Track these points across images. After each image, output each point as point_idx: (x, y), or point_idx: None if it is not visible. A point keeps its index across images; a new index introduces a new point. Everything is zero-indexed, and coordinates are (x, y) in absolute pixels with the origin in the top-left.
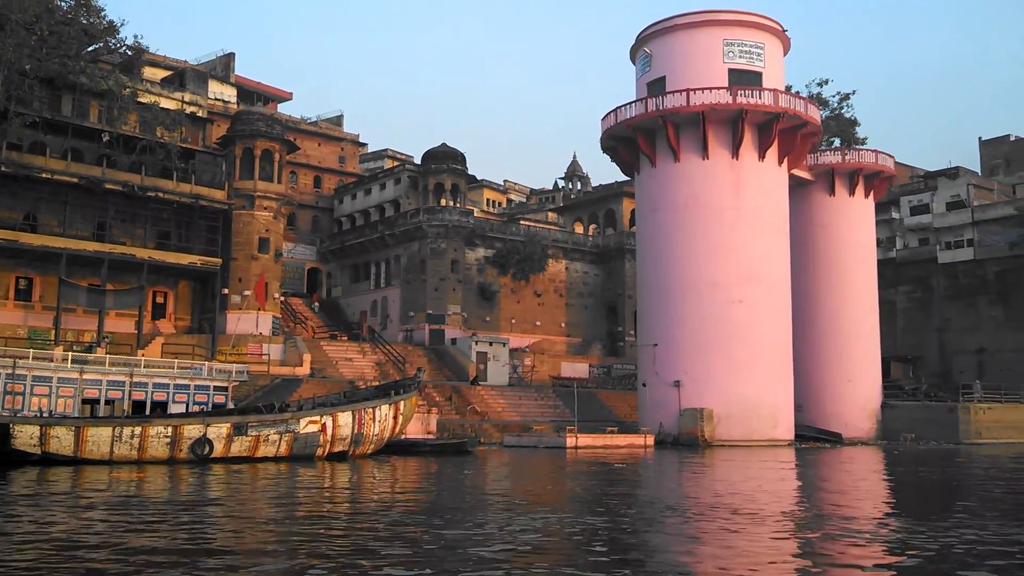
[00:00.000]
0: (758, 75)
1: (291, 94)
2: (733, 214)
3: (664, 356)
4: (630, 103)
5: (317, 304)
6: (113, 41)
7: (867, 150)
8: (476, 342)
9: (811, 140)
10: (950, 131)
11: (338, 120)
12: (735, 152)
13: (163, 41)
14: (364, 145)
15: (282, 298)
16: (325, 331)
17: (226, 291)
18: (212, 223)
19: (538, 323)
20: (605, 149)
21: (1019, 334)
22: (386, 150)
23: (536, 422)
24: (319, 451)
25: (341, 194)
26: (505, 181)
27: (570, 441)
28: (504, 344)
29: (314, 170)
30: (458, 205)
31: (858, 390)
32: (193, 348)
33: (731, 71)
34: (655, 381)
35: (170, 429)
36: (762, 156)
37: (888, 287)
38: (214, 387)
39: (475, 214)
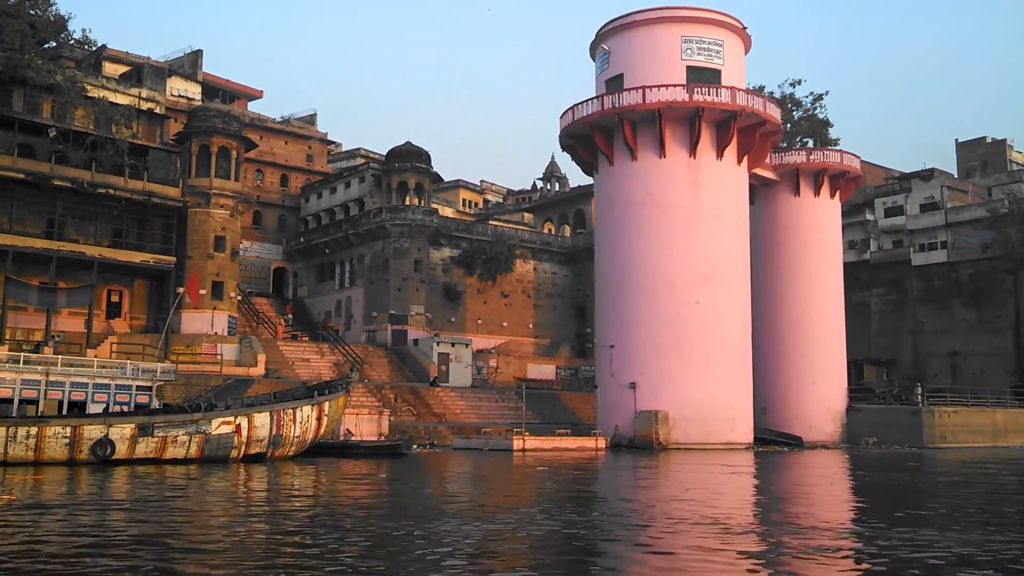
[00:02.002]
0: (717, 73)
1: (261, 92)
2: (690, 213)
3: (620, 357)
4: (587, 100)
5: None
6: (61, 36)
7: (832, 150)
8: (438, 343)
9: (771, 139)
10: (929, 133)
11: (311, 119)
12: (692, 151)
13: (138, 40)
14: (333, 143)
15: (238, 297)
16: (289, 331)
17: (181, 290)
18: (168, 221)
19: (505, 324)
20: (564, 148)
21: (992, 337)
22: (358, 149)
23: (495, 424)
24: (234, 453)
25: (308, 193)
26: (482, 181)
27: (517, 444)
28: (467, 345)
29: (281, 168)
30: (422, 204)
31: (823, 393)
32: (144, 348)
33: (689, 68)
34: (611, 383)
35: (69, 429)
36: (720, 155)
37: (862, 289)
38: (137, 387)
39: (451, 214)
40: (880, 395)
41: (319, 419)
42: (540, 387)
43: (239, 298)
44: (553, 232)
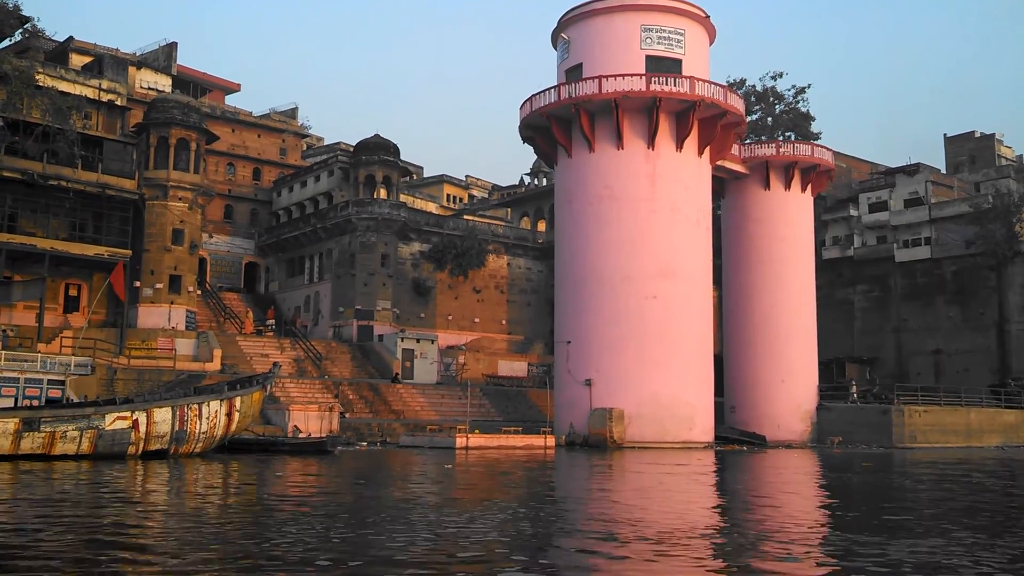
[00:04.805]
0: (678, 62)
1: (239, 85)
2: (648, 206)
3: (577, 354)
4: (545, 91)
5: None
6: (22, 27)
7: (804, 143)
8: (402, 339)
9: (734, 130)
10: (921, 128)
11: (292, 112)
12: (651, 142)
13: (122, 35)
14: (311, 137)
15: (197, 291)
16: (256, 327)
17: (138, 284)
18: (124, 214)
19: (477, 320)
20: (525, 139)
21: (975, 335)
22: (338, 143)
23: (457, 422)
24: (131, 449)
25: (280, 187)
26: (467, 176)
27: (460, 441)
28: (432, 341)
29: (254, 162)
30: (390, 197)
31: (792, 391)
32: (96, 342)
33: (649, 58)
34: (568, 380)
35: None
36: (680, 146)
37: (846, 286)
38: (48, 380)
39: (434, 209)
40: (861, 394)
41: (229, 415)
42: (509, 384)
43: (198, 293)
44: (530, 227)
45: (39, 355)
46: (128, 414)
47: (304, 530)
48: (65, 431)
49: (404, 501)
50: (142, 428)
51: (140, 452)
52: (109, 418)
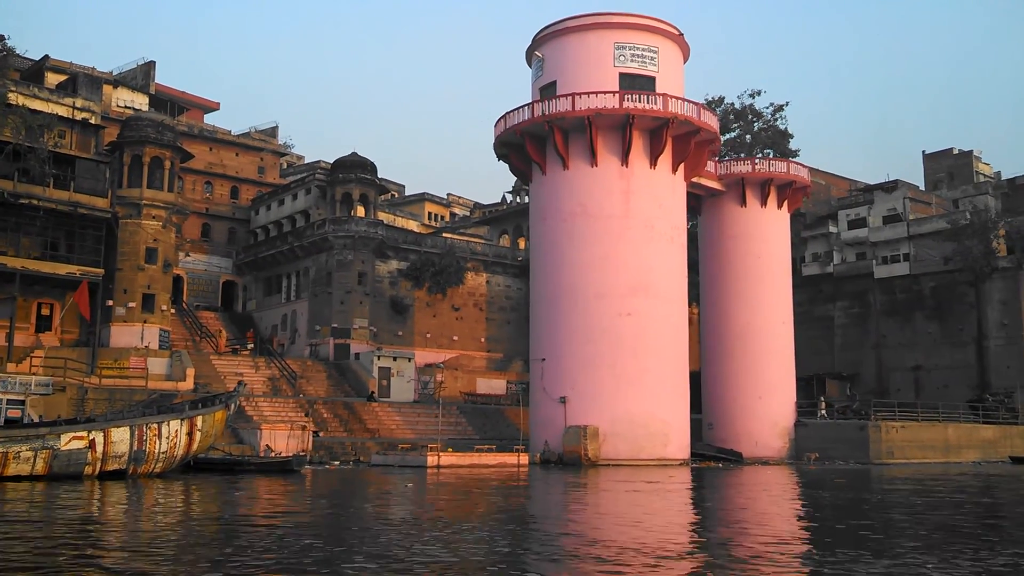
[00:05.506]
0: (651, 79)
1: (218, 104)
2: (622, 223)
3: (551, 371)
4: (518, 108)
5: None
6: None
7: (779, 159)
8: (379, 357)
9: (708, 147)
10: (901, 145)
11: (273, 131)
12: (624, 159)
13: (103, 56)
14: (289, 155)
15: (171, 310)
16: (230, 346)
17: (111, 303)
18: (97, 233)
19: (455, 338)
20: (500, 157)
21: (954, 351)
22: (319, 162)
23: (432, 440)
24: (87, 469)
25: (257, 205)
26: (449, 194)
27: (431, 460)
28: (409, 359)
29: (231, 180)
30: (368, 215)
31: (769, 407)
32: (66, 362)
33: (622, 75)
34: (543, 397)
35: None
36: (654, 163)
37: (826, 302)
38: (8, 400)
39: (416, 228)
40: (840, 410)
41: (190, 434)
42: (487, 402)
43: (173, 311)
44: (509, 245)
45: None
46: (84, 434)
47: (241, 556)
48: (18, 451)
49: (343, 521)
50: (99, 448)
51: (97, 472)
52: (64, 438)
